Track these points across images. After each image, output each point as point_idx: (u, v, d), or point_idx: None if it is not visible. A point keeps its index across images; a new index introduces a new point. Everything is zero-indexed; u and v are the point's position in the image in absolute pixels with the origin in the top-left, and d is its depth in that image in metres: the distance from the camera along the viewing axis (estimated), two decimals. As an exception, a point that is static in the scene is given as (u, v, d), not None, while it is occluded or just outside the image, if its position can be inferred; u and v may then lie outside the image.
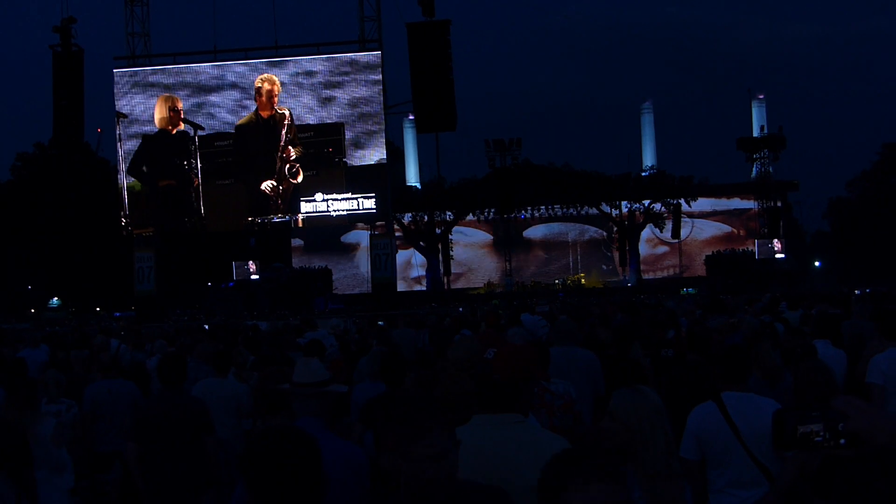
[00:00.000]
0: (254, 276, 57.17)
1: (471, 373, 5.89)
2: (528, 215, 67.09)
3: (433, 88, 43.69)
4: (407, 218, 63.42)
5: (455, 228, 65.12)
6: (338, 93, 45.54)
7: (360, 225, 58.82)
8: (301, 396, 5.44)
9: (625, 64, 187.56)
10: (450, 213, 63.83)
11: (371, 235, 47.45)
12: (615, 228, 67.20)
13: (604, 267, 70.16)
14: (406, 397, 3.01)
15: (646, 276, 65.72)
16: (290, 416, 5.75)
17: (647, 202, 64.11)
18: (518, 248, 66.90)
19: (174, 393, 8.07)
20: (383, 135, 45.79)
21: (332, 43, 46.96)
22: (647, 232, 66.21)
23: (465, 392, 5.53)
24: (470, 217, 65.22)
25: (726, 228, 70.26)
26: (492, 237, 71.37)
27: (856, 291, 29.72)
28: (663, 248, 69.38)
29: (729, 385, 6.01)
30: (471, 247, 68.71)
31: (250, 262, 57.38)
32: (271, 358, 10.70)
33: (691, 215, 66.40)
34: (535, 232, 71.55)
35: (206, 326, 28.78)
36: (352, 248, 70.56)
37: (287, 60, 45.91)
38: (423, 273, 63.72)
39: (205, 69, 45.98)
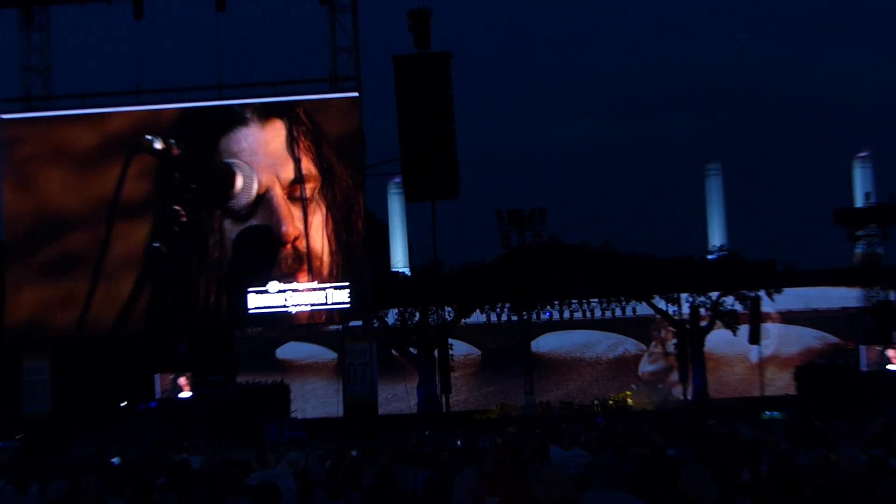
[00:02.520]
0: (184, 394, 57.10)
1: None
2: (552, 313, 67.12)
3: (428, 142, 43.55)
4: (392, 316, 63.67)
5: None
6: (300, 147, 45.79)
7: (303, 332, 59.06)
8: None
9: (684, 114, 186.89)
10: (450, 309, 64.26)
11: (344, 338, 47.42)
12: (671, 339, 67.10)
13: (633, 386, 69.90)
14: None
15: (714, 396, 65.40)
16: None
17: (714, 295, 64.34)
18: (519, 365, 66.02)
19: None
20: (360, 204, 45.99)
21: (294, 81, 47.18)
22: (716, 335, 66.09)
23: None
24: (477, 316, 65.34)
25: (821, 332, 69.99)
26: (479, 352, 70.99)
27: None
28: (737, 357, 68.93)
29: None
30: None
31: (180, 374, 57.29)
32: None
33: (770, 317, 66.10)
34: (547, 343, 71.38)
35: (117, 461, 28.54)
36: (290, 367, 70.24)
37: (234, 104, 46.19)
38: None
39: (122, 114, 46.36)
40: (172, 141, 43.73)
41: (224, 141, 45.74)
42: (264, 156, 45.57)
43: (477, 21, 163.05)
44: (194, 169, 44.38)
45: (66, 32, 52.05)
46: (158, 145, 43.56)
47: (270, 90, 46.49)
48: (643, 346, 70.72)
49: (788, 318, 68.64)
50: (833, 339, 69.64)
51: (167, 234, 43.95)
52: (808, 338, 69.94)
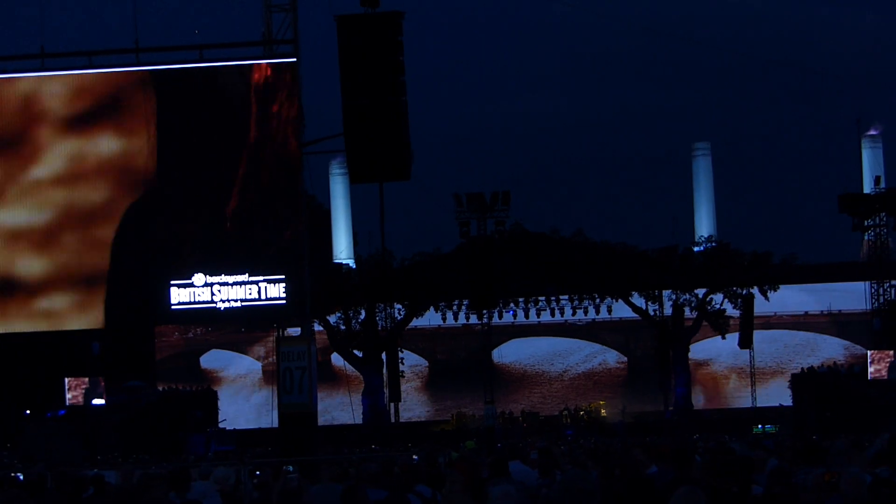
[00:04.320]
0: (97, 401, 57.07)
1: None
2: (516, 312, 66.95)
3: (376, 116, 43.72)
4: (334, 320, 64.30)
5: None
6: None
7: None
8: None
9: (669, 84, 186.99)
10: (400, 306, 64.52)
11: (278, 339, 47.37)
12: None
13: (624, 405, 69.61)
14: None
15: (699, 407, 65.67)
16: None
17: (701, 292, 64.71)
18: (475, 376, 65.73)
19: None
20: (297, 185, 45.93)
21: (221, 45, 47.02)
22: (703, 340, 66.44)
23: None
24: (428, 319, 65.42)
25: (824, 336, 69.99)
26: (427, 363, 70.88)
27: None
28: (727, 364, 69.11)
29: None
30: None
31: (92, 378, 57.20)
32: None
33: (767, 321, 66.09)
34: (511, 351, 71.26)
35: (21, 476, 28.54)
36: (214, 378, 69.61)
37: (153, 70, 46.04)
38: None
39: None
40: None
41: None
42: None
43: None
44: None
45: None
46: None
47: (195, 54, 46.23)
48: (624, 358, 70.61)
49: (781, 321, 68.65)
50: (827, 336, 69.72)
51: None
52: (802, 335, 69.94)
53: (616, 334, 70.23)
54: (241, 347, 66.81)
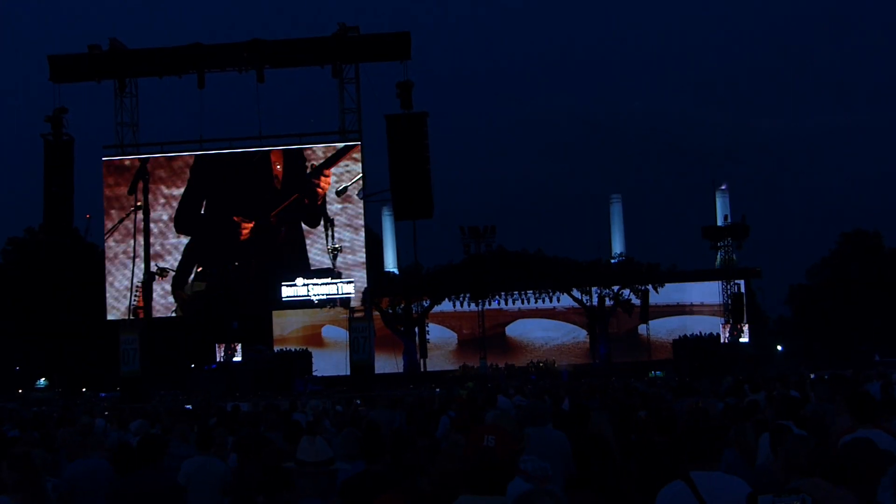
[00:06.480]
0: (236, 359, 56.91)
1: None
2: (501, 300, 65.99)
3: (410, 178, 43.96)
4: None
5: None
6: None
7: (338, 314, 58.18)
8: (308, 475, 5.32)
9: (595, 156, 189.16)
10: (427, 300, 64.04)
11: (350, 319, 47.31)
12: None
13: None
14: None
15: (615, 360, 65.16)
16: (291, 495, 5.58)
17: (616, 288, 64.08)
18: (493, 345, 64.57)
19: (150, 471, 8.03)
20: (362, 222, 45.97)
21: (314, 133, 47.12)
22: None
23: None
24: (446, 303, 64.85)
25: (694, 316, 69.09)
26: (456, 335, 69.56)
27: (811, 375, 29.53)
28: (632, 332, 68.21)
29: (697, 465, 5.87)
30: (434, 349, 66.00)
31: (233, 344, 57.15)
32: (251, 438, 10.56)
33: (658, 309, 65.20)
34: (518, 327, 70.16)
35: (189, 407, 28.76)
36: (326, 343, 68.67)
37: (270, 150, 46.17)
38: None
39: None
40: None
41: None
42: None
43: (445, 84, 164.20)
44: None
45: (149, 97, 52.02)
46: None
47: (296, 140, 46.44)
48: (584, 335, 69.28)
49: (665, 309, 67.47)
50: (695, 315, 68.40)
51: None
52: (680, 317, 68.72)
53: (583, 318, 68.46)
54: (339, 323, 65.52)
